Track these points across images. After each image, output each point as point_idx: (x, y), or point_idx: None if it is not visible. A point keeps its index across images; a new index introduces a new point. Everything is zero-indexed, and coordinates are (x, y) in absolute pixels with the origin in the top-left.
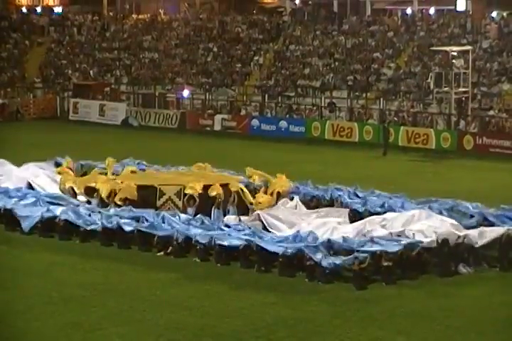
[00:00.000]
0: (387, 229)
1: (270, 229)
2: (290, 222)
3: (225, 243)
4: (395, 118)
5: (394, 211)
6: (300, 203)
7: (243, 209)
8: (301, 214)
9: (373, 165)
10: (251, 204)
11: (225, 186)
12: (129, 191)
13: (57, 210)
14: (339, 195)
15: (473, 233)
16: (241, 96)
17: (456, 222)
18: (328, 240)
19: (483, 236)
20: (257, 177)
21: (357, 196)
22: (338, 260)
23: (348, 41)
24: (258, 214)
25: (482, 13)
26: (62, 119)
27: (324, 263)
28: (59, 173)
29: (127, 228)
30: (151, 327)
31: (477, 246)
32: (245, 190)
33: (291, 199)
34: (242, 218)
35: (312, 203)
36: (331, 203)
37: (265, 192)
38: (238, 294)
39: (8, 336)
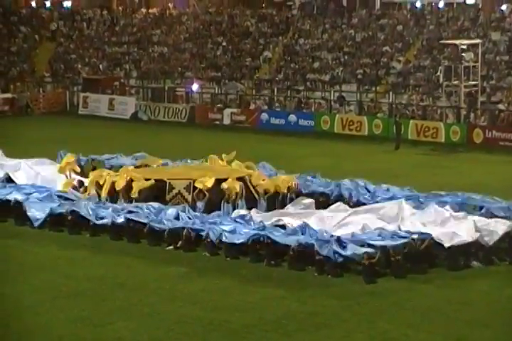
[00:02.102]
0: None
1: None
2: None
3: (234, 240)
4: (407, 111)
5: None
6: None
7: (252, 202)
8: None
9: (383, 159)
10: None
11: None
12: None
13: (68, 205)
14: (349, 191)
15: (484, 232)
16: (250, 90)
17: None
18: (338, 236)
19: (493, 233)
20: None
21: (367, 190)
22: (347, 254)
23: (357, 35)
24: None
25: (492, 6)
26: (72, 114)
27: (334, 258)
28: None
29: (136, 222)
30: (161, 321)
31: (489, 245)
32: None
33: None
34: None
35: (321, 198)
36: (339, 199)
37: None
38: (248, 288)
39: (18, 330)
